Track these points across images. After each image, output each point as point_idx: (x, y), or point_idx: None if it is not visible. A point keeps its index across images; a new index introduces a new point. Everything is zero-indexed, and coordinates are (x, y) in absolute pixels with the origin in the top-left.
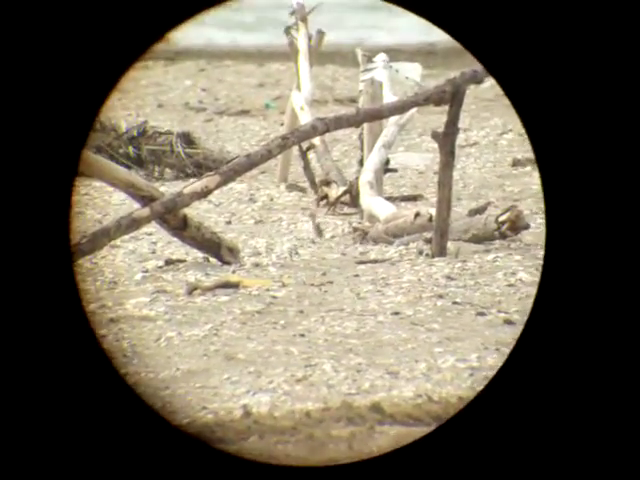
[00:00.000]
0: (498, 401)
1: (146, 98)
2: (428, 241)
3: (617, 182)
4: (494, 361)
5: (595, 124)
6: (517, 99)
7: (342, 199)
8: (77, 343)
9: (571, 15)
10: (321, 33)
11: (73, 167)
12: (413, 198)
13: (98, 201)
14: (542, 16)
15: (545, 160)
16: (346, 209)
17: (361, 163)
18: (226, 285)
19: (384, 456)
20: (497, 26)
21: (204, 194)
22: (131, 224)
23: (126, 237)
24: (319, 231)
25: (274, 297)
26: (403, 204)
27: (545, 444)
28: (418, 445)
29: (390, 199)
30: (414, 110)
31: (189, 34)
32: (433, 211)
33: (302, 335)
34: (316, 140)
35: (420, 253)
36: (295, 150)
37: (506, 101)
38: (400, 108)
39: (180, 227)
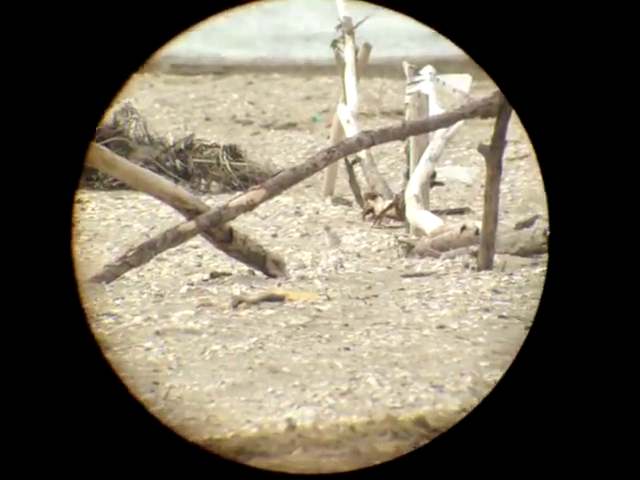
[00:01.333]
0: (501, 410)
1: (194, 112)
2: (474, 254)
3: (621, 197)
4: None
5: (603, 137)
6: (525, 114)
7: (388, 212)
8: (79, 356)
9: (586, 36)
10: (367, 46)
11: (74, 179)
12: (460, 211)
13: (145, 214)
14: (556, 35)
15: (549, 170)
16: (392, 222)
17: (407, 176)
18: (271, 298)
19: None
20: (510, 41)
21: (250, 207)
22: (177, 237)
23: (172, 250)
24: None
25: (319, 310)
26: (450, 217)
27: (552, 450)
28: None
29: (436, 212)
30: (461, 123)
31: (236, 50)
32: (480, 224)
33: (347, 349)
34: (362, 153)
35: (466, 266)
36: (341, 163)
37: None
38: (446, 121)
39: (226, 240)
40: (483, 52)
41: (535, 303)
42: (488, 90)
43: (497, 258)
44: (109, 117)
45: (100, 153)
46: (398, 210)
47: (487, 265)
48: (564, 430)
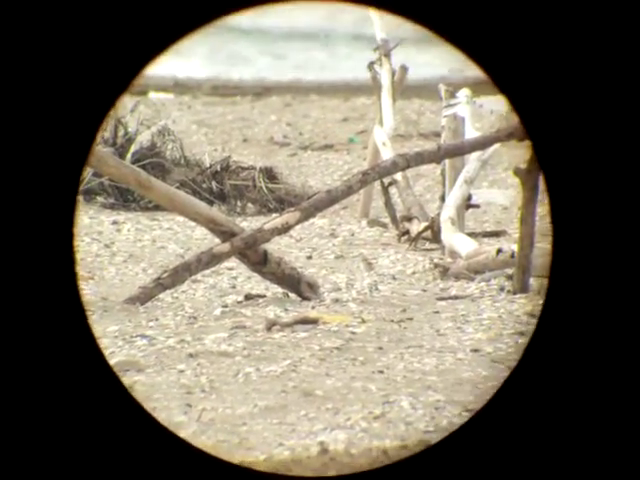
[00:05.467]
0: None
1: (232, 133)
2: (510, 277)
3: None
4: None
5: (609, 153)
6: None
7: (424, 235)
8: (92, 379)
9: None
10: (404, 68)
11: (74, 186)
12: (495, 234)
13: (180, 236)
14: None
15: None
16: (428, 245)
17: (443, 199)
18: (305, 321)
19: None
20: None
21: (284, 230)
22: (211, 259)
23: (207, 272)
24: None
25: (353, 333)
26: (486, 240)
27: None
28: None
29: (472, 235)
30: (497, 145)
31: (277, 71)
32: (516, 247)
33: (381, 372)
34: (398, 175)
35: (502, 289)
36: (377, 185)
37: None
38: (482, 144)
39: (260, 262)
40: (500, 70)
41: None
42: None
43: (533, 281)
44: (146, 139)
45: (136, 175)
46: (434, 232)
47: (523, 288)
48: (572, 441)
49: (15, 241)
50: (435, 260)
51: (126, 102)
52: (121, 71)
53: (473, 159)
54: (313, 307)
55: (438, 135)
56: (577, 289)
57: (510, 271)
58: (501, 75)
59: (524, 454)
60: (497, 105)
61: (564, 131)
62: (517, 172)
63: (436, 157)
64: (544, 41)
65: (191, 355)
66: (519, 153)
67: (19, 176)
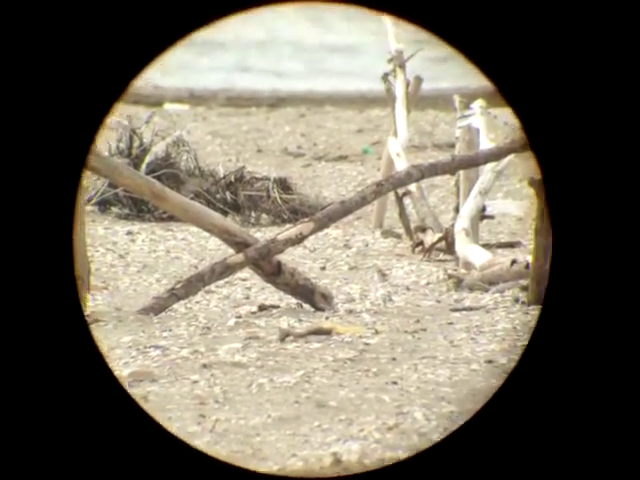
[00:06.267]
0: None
1: (246, 144)
2: (524, 289)
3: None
4: None
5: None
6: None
7: (438, 246)
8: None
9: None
10: (418, 79)
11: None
12: (510, 245)
13: (194, 246)
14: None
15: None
16: (442, 256)
17: (457, 210)
18: (319, 332)
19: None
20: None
21: (298, 240)
22: (225, 270)
23: (220, 282)
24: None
25: (367, 344)
26: (500, 251)
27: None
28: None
29: (486, 246)
30: (512, 156)
31: (291, 82)
32: (530, 258)
33: (394, 382)
34: (412, 186)
35: (516, 301)
36: (391, 196)
37: None
38: (496, 155)
39: (274, 273)
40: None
41: None
42: None
43: None
44: (161, 149)
45: (150, 185)
46: (448, 243)
47: (537, 300)
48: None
49: (13, 249)
50: (449, 271)
51: (141, 113)
52: (114, 79)
53: (487, 170)
54: (327, 318)
55: (452, 146)
56: (575, 297)
57: (525, 282)
58: (509, 87)
59: (523, 457)
60: (512, 116)
61: (566, 143)
62: (532, 183)
63: (450, 168)
64: (552, 53)
65: (205, 366)
66: (534, 164)
67: (15, 183)
